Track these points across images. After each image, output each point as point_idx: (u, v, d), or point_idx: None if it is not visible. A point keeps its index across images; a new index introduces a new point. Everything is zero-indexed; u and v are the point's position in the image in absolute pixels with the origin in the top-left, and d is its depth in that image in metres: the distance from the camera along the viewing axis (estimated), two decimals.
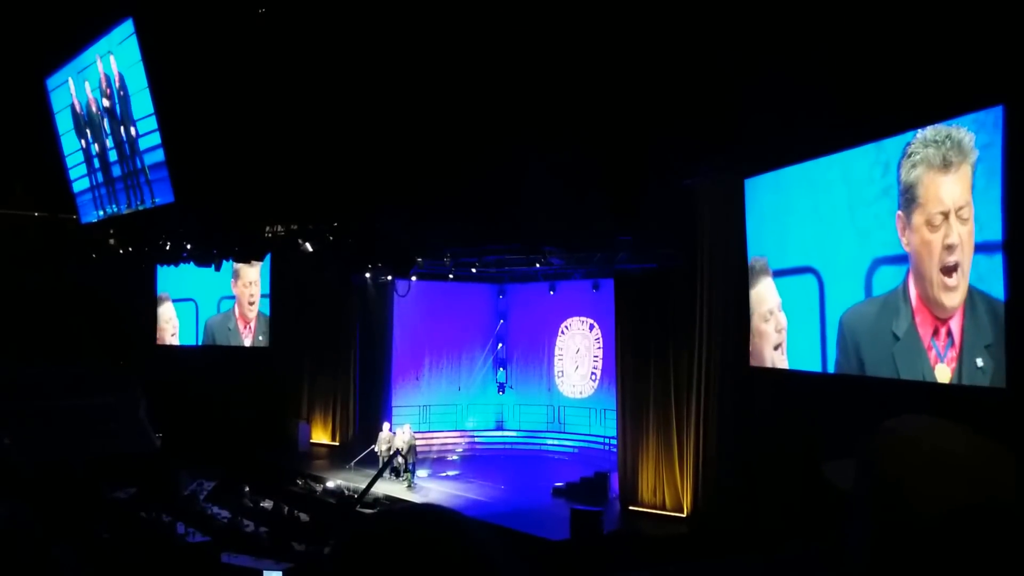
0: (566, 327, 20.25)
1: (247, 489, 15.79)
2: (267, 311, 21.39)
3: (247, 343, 21.63)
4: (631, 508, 14.49)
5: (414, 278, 18.18)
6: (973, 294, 8.46)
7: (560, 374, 20.32)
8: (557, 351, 20.40)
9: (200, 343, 22.28)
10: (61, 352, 18.87)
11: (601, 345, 19.25)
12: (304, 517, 14.47)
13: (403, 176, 14.03)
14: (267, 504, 15.24)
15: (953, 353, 8.67)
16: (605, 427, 18.48)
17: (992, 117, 8.35)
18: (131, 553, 11.00)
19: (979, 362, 8.35)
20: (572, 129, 12.64)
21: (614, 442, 16.38)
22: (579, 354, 19.96)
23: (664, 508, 14.05)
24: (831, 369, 10.59)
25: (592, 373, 19.56)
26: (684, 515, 13.64)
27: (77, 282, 19.77)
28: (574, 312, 19.97)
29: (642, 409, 14.55)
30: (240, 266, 20.12)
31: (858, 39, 9.60)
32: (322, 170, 14.28)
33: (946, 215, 8.79)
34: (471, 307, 20.71)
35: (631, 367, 14.88)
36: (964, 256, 8.62)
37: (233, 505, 14.87)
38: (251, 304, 21.58)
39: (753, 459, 12.07)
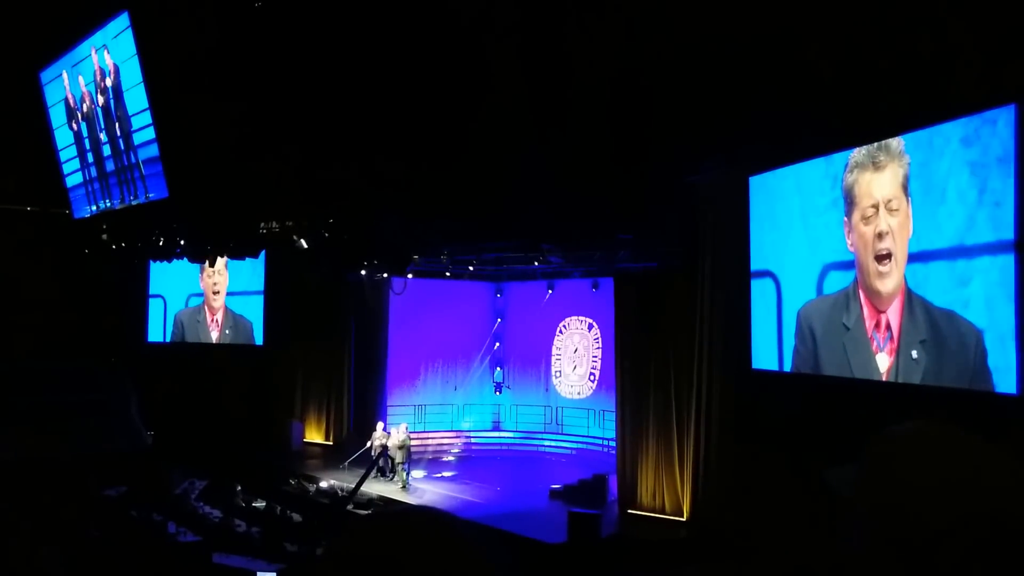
0: (564, 326, 20.09)
1: (239, 488, 15.63)
2: (235, 307, 21.30)
3: (214, 337, 21.49)
4: (630, 511, 14.29)
5: (410, 276, 18.02)
6: (912, 296, 9.38)
7: (558, 374, 20.15)
8: (555, 351, 20.23)
9: (169, 340, 22.07)
10: (52, 348, 18.69)
11: (600, 345, 19.09)
12: (297, 517, 14.31)
13: (400, 172, 13.88)
14: (259, 504, 15.08)
15: (892, 345, 9.65)
16: (604, 428, 18.33)
17: (928, 137, 9.20)
18: (121, 552, 10.81)
19: (914, 354, 9.33)
20: (572, 124, 12.49)
21: (612, 444, 16.21)
22: (577, 354, 19.79)
23: (663, 512, 13.86)
24: (787, 367, 11.44)
25: (591, 373, 19.40)
26: (684, 519, 13.45)
27: (69, 277, 19.61)
28: (573, 311, 19.81)
29: (641, 411, 14.36)
30: None
31: (861, 37, 9.50)
32: (318, 166, 14.13)
33: (876, 207, 9.81)
34: (468, 306, 20.54)
35: (630, 368, 14.70)
36: (895, 245, 9.59)
37: (225, 504, 14.70)
38: (215, 294, 21.47)
39: (755, 462, 11.90)
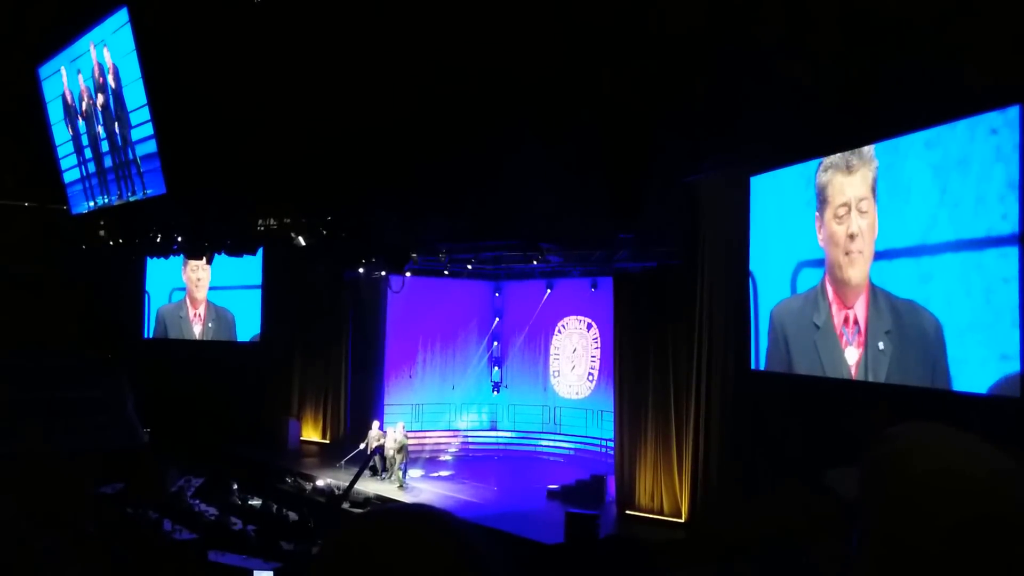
0: (563, 326, 20.05)
1: (235, 486, 15.57)
2: (217, 301, 21.44)
3: (196, 331, 21.56)
4: (628, 512, 14.24)
5: (408, 274, 17.95)
6: (875, 290, 9.92)
7: (556, 374, 20.11)
8: (553, 350, 20.19)
9: (151, 335, 22.14)
10: (49, 343, 18.62)
11: (599, 345, 19.05)
12: (293, 516, 14.25)
13: (399, 170, 13.83)
14: (255, 502, 15.02)
15: (860, 338, 10.15)
16: (602, 429, 18.27)
17: (895, 140, 9.74)
18: (117, 549, 10.75)
19: (880, 345, 9.86)
20: (573, 123, 12.44)
21: (611, 444, 16.17)
22: (576, 354, 19.75)
23: (662, 513, 13.80)
24: (763, 365, 11.84)
25: (589, 373, 19.35)
26: (682, 520, 13.40)
27: (66, 273, 19.55)
28: (571, 311, 19.76)
29: (640, 411, 14.31)
30: None
31: (868, 34, 9.49)
32: (316, 163, 14.08)
33: (848, 208, 10.31)
34: (466, 304, 20.51)
35: (629, 368, 14.65)
36: (865, 244, 10.11)
37: (221, 503, 14.64)
38: (198, 287, 21.59)
39: (754, 464, 11.87)
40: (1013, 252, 8.14)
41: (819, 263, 10.77)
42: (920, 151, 9.27)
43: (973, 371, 8.59)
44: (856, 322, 10.23)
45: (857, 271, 10.16)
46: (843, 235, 10.34)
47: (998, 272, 8.31)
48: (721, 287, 12.69)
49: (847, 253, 10.27)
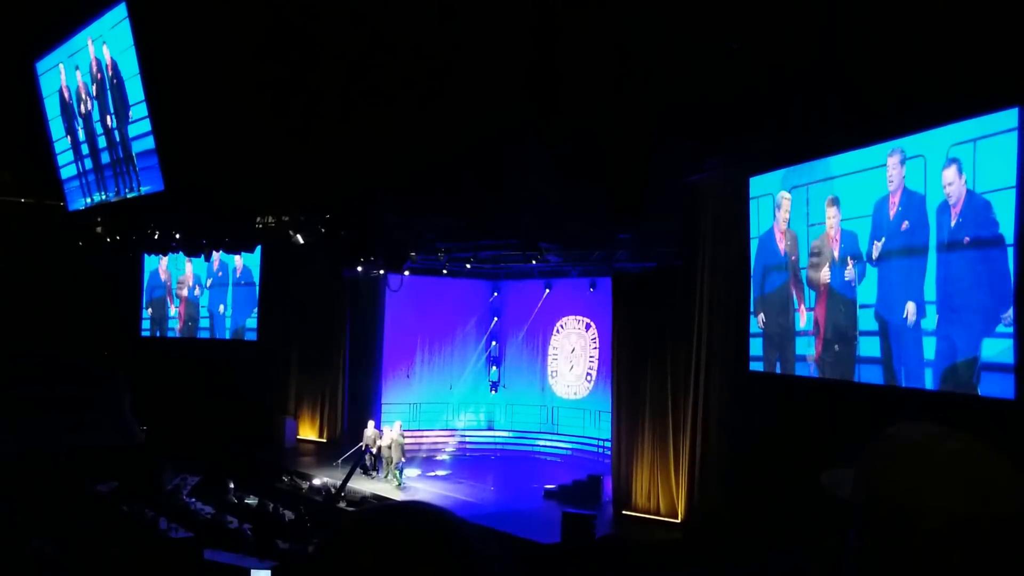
0: (561, 326, 20.00)
1: (231, 485, 15.53)
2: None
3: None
4: (624, 513, 14.23)
5: (407, 273, 17.88)
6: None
7: (554, 374, 20.07)
8: (551, 350, 20.14)
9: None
10: (45, 341, 18.55)
11: (597, 345, 19.01)
12: (289, 515, 14.21)
13: (398, 168, 13.79)
14: (251, 501, 14.98)
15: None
16: (599, 429, 18.23)
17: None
18: (112, 548, 10.72)
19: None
20: (573, 123, 12.40)
21: (608, 445, 16.15)
22: (574, 354, 19.71)
23: (658, 513, 13.79)
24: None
25: (587, 373, 19.31)
26: (678, 521, 13.39)
27: (63, 270, 19.50)
28: (570, 311, 19.72)
29: (638, 411, 14.29)
30: None
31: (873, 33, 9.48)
32: (316, 161, 14.04)
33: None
34: (465, 304, 20.45)
35: (627, 368, 14.62)
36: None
37: (217, 501, 14.60)
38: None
39: (751, 465, 11.84)
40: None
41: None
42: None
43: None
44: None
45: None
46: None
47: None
48: (721, 287, 12.66)
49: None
